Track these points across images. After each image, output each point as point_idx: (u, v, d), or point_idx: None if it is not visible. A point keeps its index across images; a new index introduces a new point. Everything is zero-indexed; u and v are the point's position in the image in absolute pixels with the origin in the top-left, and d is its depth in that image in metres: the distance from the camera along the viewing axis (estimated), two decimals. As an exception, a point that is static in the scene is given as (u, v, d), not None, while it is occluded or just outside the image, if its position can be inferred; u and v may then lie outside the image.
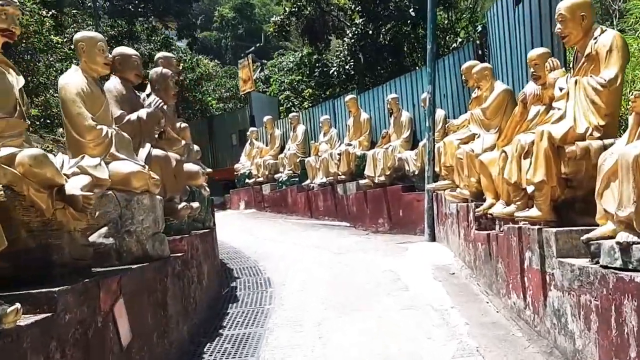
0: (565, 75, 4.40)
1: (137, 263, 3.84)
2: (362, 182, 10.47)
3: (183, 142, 5.94)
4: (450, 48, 14.00)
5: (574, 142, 3.88)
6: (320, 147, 12.28)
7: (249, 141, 15.41)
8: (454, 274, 6.27)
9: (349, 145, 11.21)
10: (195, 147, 7.08)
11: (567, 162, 3.87)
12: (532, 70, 5.15)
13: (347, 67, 16.89)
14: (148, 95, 5.56)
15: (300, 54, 21.14)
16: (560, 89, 4.30)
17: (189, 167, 5.79)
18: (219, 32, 42.43)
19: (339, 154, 11.23)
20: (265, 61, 27.46)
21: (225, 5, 42.99)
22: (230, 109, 22.70)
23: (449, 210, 7.27)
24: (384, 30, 16.35)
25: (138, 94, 5.30)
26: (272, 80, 22.50)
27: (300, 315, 5.12)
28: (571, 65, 4.50)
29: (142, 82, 5.35)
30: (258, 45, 36.17)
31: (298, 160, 13.22)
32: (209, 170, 7.01)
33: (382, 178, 9.94)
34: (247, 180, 14.96)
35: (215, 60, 31.16)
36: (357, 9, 16.19)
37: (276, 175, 13.82)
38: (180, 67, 20.16)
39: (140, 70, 5.18)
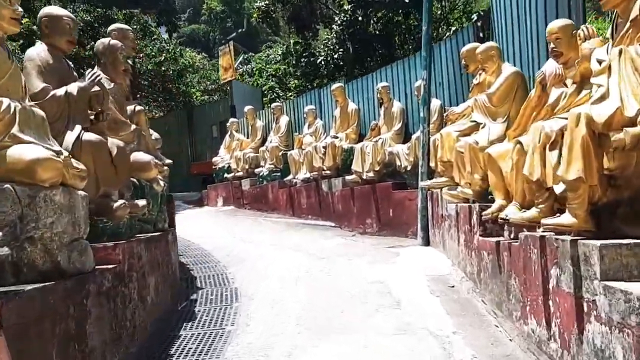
0: (605, 45, 3.49)
1: (45, 281, 2.87)
2: (348, 178, 9.54)
3: (133, 126, 4.95)
4: (443, 39, 13.11)
5: (621, 128, 2.97)
6: (304, 139, 11.31)
7: (228, 133, 14.36)
8: (453, 286, 5.35)
9: (335, 137, 10.24)
10: (155, 135, 6.09)
11: (612, 154, 2.95)
12: (552, 45, 4.24)
13: (335, 56, 15.87)
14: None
15: (286, 45, 20.16)
16: (599, 62, 3.37)
17: (138, 156, 4.81)
18: (207, 25, 41.65)
19: (324, 147, 10.26)
20: (253, 54, 26.52)
21: (213, -2, 42.22)
22: (215, 101, 21.70)
23: (447, 212, 6.35)
24: (374, 18, 15.42)
25: (71, 65, 4.32)
26: (255, 69, 21.45)
27: (268, 340, 4.16)
28: (609, 35, 3.59)
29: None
30: (240, 30, 35.18)
31: (280, 153, 12.23)
32: (168, 161, 6.00)
33: (371, 174, 9.02)
34: (225, 175, 13.91)
35: (203, 53, 30.31)
36: (346, -7, 15.24)
37: (257, 170, 12.82)
38: (155, 49, 19.12)
39: (73, 36, 4.20)
